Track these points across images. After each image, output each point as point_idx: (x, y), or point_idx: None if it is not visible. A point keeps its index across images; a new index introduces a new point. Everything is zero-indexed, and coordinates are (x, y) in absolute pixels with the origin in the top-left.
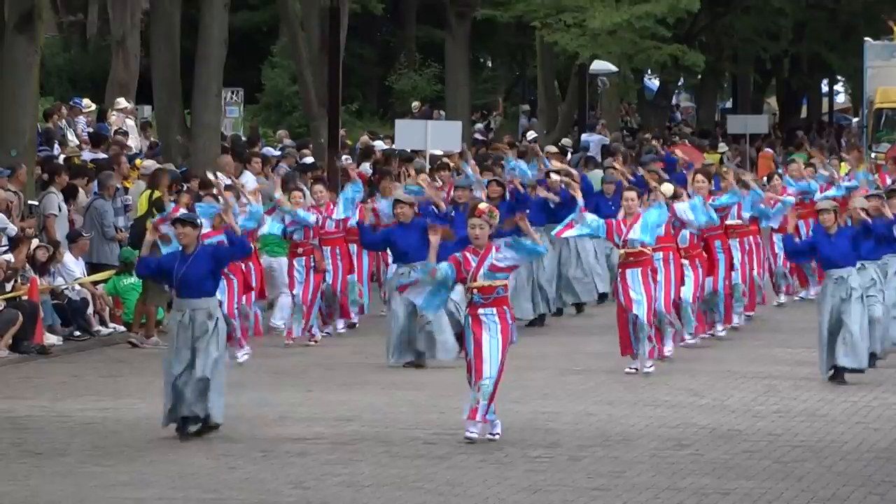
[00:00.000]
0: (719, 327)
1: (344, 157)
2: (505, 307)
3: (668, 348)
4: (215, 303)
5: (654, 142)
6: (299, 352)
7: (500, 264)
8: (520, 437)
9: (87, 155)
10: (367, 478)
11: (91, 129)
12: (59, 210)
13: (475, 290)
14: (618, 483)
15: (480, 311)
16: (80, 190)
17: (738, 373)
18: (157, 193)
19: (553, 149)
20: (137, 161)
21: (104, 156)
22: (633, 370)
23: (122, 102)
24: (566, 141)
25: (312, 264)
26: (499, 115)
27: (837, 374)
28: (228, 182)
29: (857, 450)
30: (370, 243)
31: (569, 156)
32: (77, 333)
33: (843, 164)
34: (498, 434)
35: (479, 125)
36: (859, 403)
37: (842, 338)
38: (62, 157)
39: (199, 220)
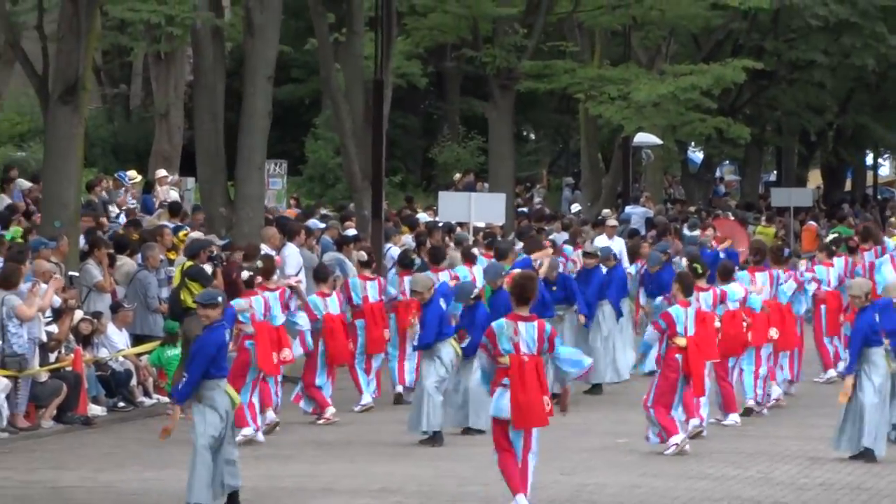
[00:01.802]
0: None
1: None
2: None
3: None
4: None
5: (695, 215)
6: (344, 423)
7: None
8: None
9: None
10: None
11: (136, 202)
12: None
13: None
14: None
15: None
16: (118, 260)
17: (782, 446)
18: (189, 264)
19: (613, 221)
20: (181, 233)
21: (183, 225)
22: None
23: (162, 173)
24: (606, 212)
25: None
26: (542, 188)
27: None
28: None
29: None
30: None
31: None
32: (121, 404)
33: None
34: None
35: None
36: None
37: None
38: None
39: (219, 299)
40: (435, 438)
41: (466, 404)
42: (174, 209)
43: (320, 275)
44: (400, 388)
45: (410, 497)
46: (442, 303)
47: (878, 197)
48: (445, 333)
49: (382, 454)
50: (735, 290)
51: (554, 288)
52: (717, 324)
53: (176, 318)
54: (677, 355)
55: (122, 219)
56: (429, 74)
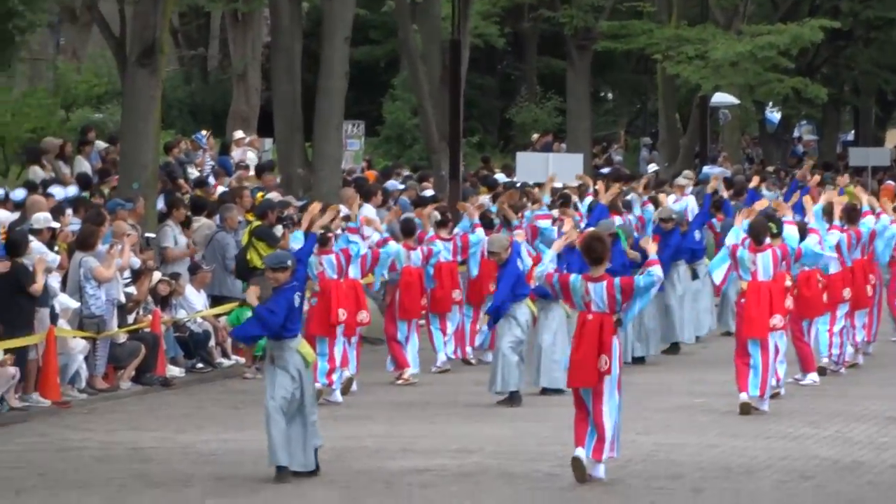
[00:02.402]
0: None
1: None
2: None
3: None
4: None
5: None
6: (422, 384)
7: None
8: (643, 469)
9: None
10: None
11: (213, 163)
12: (175, 243)
13: None
14: None
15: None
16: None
17: (860, 405)
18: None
19: (683, 181)
20: (259, 194)
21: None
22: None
23: (239, 134)
24: (687, 173)
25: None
26: (620, 148)
27: None
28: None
29: None
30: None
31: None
32: (199, 365)
33: None
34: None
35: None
36: None
37: None
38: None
39: (289, 262)
40: (512, 399)
41: (539, 364)
42: (265, 168)
43: (407, 228)
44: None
45: (489, 457)
46: (519, 263)
47: None
48: (521, 294)
49: (460, 415)
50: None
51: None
52: (788, 282)
53: (242, 278)
54: (742, 300)
55: (212, 179)
56: (506, 35)
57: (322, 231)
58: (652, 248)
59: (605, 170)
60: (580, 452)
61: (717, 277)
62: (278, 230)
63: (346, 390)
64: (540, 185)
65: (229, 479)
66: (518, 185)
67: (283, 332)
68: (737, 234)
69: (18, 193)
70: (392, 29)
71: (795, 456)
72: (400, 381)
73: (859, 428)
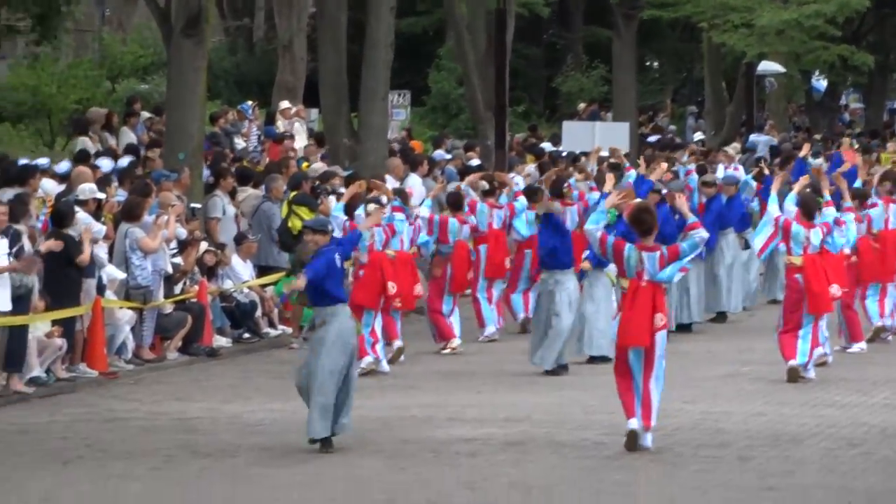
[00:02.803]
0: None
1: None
2: None
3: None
4: None
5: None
6: (468, 353)
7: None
8: (690, 436)
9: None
10: (536, 478)
11: (259, 133)
12: (224, 213)
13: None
14: (788, 483)
15: None
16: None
17: None
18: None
19: (730, 149)
20: (304, 164)
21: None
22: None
23: (285, 104)
24: (735, 145)
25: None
26: (666, 117)
27: None
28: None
29: None
30: None
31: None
32: (246, 335)
33: None
34: None
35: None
36: None
37: None
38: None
39: (329, 227)
40: (559, 368)
41: (583, 333)
42: (320, 139)
43: (455, 202)
44: (522, 316)
45: (537, 426)
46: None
47: None
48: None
49: (507, 384)
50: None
51: None
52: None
53: (287, 248)
54: (796, 275)
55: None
56: (551, 4)
57: (373, 202)
58: (685, 207)
59: (652, 138)
60: (634, 424)
61: (758, 244)
62: (327, 199)
63: (394, 360)
64: (586, 155)
65: (275, 449)
66: (564, 154)
67: (325, 292)
68: (776, 204)
69: (63, 166)
70: (437, 1)
71: (843, 423)
72: (447, 351)
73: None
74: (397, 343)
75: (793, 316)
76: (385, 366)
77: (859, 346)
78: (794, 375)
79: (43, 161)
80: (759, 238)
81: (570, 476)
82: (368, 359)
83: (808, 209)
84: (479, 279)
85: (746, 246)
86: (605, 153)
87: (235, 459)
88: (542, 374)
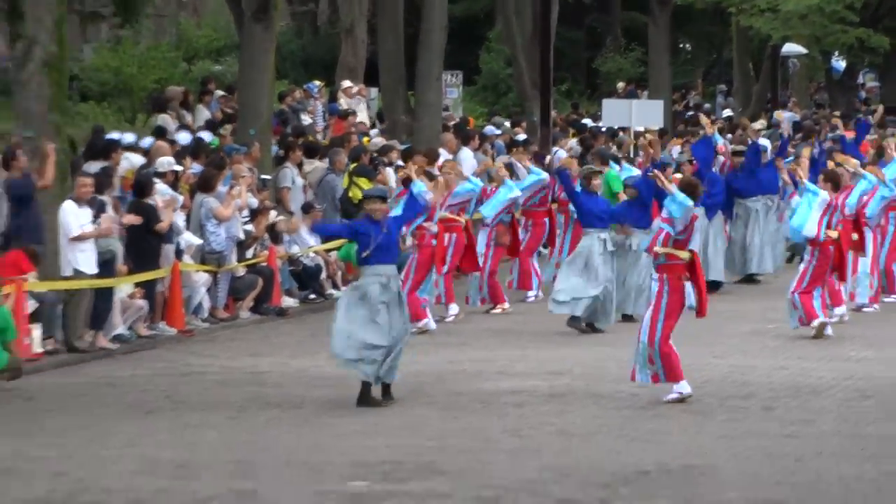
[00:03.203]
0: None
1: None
2: (667, 275)
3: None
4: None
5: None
6: (516, 313)
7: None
8: (718, 389)
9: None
10: (577, 427)
11: (324, 110)
12: (293, 183)
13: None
14: (808, 430)
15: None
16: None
17: None
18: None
19: (757, 124)
20: (365, 139)
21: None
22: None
23: (347, 83)
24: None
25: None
26: (697, 94)
27: None
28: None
29: None
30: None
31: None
32: (312, 296)
33: None
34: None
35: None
36: None
37: None
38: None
39: (388, 195)
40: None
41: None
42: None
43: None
44: None
45: (577, 379)
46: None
47: None
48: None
49: (551, 341)
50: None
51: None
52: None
53: (348, 216)
54: (830, 247)
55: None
56: None
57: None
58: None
59: (690, 114)
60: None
61: (811, 228)
62: (385, 170)
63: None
64: (625, 130)
65: (338, 400)
66: (603, 129)
67: (369, 259)
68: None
69: (146, 141)
70: None
71: (859, 376)
72: (497, 311)
73: None
74: (453, 308)
75: (817, 282)
76: (432, 324)
77: (873, 306)
78: (821, 331)
79: (129, 137)
80: (809, 221)
81: (607, 424)
82: (426, 320)
83: (837, 182)
84: (535, 248)
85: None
86: (640, 128)
87: (301, 410)
88: (579, 334)
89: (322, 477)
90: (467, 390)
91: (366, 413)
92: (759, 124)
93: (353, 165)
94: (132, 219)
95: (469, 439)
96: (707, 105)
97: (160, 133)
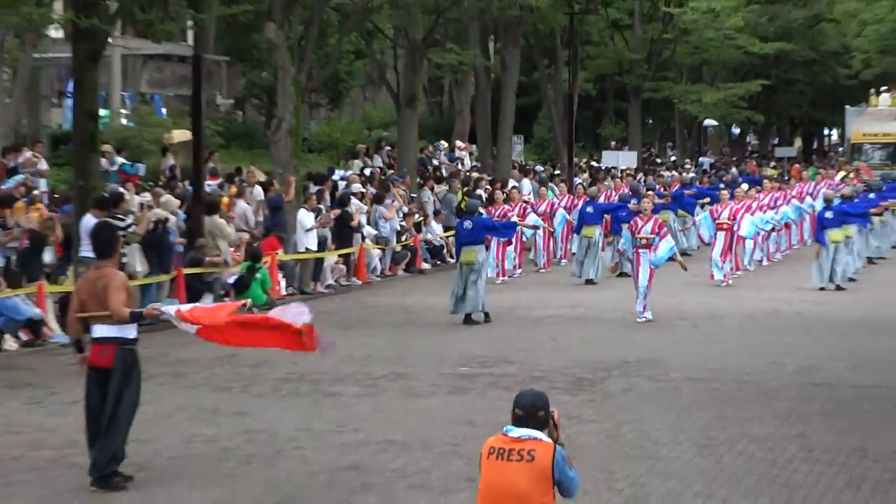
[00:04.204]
0: None
1: None
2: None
3: None
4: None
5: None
6: (554, 272)
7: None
8: (667, 316)
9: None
10: (589, 335)
11: (445, 158)
12: (428, 199)
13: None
14: (720, 335)
15: (642, 250)
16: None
17: (788, 282)
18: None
19: (688, 175)
20: (469, 173)
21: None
22: None
23: (459, 143)
24: (693, 173)
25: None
26: (654, 149)
27: None
28: None
29: None
30: None
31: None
32: (438, 263)
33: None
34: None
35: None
36: None
37: None
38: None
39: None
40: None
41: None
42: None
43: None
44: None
45: (588, 309)
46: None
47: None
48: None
49: (576, 287)
50: None
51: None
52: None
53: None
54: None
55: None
56: (596, 88)
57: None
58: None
59: (654, 159)
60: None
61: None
62: (478, 192)
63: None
64: (616, 168)
65: (456, 321)
66: (603, 168)
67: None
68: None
69: (347, 173)
70: (537, 88)
71: (746, 307)
72: (543, 271)
73: (780, 294)
74: (518, 272)
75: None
76: (500, 279)
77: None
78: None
79: (340, 173)
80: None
81: (606, 334)
82: (504, 278)
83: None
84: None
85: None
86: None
87: (432, 326)
88: (587, 283)
89: (444, 364)
90: (524, 316)
91: (469, 328)
92: (692, 174)
93: (464, 188)
94: (329, 217)
95: (526, 343)
96: (662, 158)
97: (361, 171)
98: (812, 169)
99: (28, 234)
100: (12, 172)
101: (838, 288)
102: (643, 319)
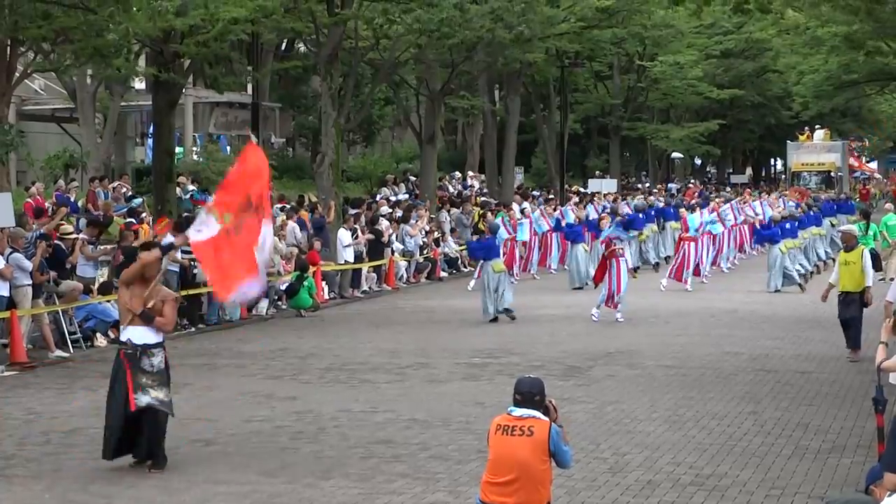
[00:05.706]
0: None
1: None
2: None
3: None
4: None
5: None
6: (544, 278)
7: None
8: (644, 314)
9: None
10: (579, 330)
11: (459, 185)
12: (445, 219)
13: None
14: (685, 329)
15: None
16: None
17: (738, 284)
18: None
19: (662, 199)
20: (478, 198)
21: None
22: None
23: (471, 172)
24: (663, 196)
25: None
26: (632, 177)
27: None
28: None
29: None
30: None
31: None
32: (453, 272)
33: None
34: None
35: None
36: None
37: None
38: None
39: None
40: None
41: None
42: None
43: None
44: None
45: (581, 308)
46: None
47: (777, 179)
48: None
49: (565, 291)
50: None
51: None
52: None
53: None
54: (685, 243)
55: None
56: (583, 127)
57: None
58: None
59: (631, 183)
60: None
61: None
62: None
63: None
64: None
65: (472, 319)
66: (589, 192)
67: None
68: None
69: (382, 205)
70: (535, 127)
71: (707, 306)
72: (552, 272)
73: (736, 296)
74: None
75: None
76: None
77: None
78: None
79: (368, 199)
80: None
81: (594, 328)
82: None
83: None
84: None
85: None
86: (606, 191)
87: (450, 323)
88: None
89: (459, 355)
90: (528, 313)
91: (479, 326)
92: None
93: (479, 210)
94: (363, 238)
95: (527, 337)
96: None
97: (387, 198)
98: (755, 192)
99: (121, 249)
100: (131, 199)
101: (777, 291)
102: (618, 316)
